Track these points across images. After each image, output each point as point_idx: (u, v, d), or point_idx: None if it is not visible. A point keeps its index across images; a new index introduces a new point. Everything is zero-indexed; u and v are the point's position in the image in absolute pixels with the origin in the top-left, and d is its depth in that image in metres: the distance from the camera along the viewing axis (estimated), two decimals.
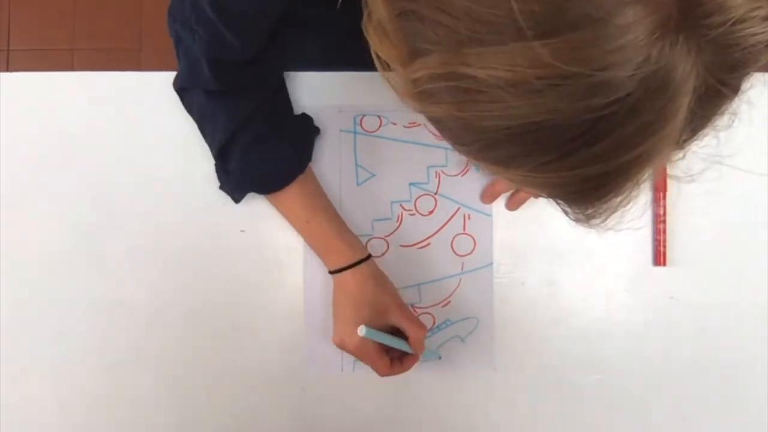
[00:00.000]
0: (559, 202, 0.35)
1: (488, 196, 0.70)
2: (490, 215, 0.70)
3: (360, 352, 0.64)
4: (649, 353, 0.70)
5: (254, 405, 0.70)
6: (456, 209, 0.71)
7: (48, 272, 0.71)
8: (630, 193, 0.33)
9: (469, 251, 0.70)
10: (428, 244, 0.71)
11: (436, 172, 0.70)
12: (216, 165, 0.67)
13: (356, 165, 0.71)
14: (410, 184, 0.71)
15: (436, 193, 0.71)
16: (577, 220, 0.36)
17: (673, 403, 0.70)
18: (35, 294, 0.71)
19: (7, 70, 1.60)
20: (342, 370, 0.70)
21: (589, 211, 0.35)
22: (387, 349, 0.65)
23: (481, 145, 0.32)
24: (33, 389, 0.71)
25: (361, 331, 0.59)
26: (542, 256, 0.70)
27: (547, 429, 0.70)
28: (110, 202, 0.71)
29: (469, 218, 0.70)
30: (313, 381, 0.70)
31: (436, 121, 0.36)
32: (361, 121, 0.71)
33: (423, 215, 0.71)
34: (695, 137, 0.33)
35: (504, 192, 0.70)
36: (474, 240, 0.70)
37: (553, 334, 0.70)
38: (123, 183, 0.71)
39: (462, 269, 0.70)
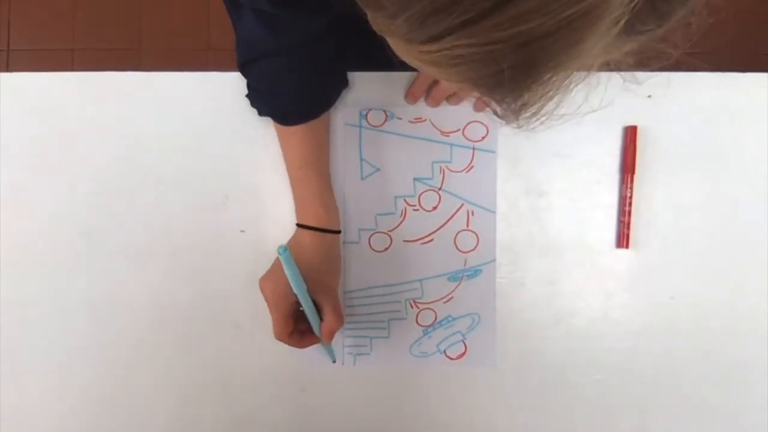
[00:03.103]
0: (488, 95, 0.33)
1: (411, 95, 0.69)
2: (493, 212, 0.70)
3: (273, 300, 0.62)
4: (649, 353, 0.70)
5: (254, 405, 0.71)
6: (460, 205, 0.71)
7: (48, 272, 0.71)
8: (556, 85, 0.31)
9: (472, 247, 0.71)
10: (431, 239, 0.71)
11: (440, 168, 0.71)
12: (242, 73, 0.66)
13: (361, 159, 0.71)
14: (414, 179, 0.71)
15: (440, 189, 0.71)
16: (504, 117, 0.34)
17: (673, 403, 0.70)
18: (35, 294, 0.71)
19: (7, 70, 1.60)
20: (343, 364, 0.70)
21: (517, 101, 0.33)
22: (297, 319, 0.64)
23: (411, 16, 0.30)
24: (33, 389, 0.71)
25: (282, 247, 0.58)
26: (542, 256, 0.70)
27: (547, 428, 0.70)
28: (110, 202, 0.71)
29: (472, 214, 0.71)
30: (313, 381, 0.70)
31: None
32: (366, 115, 0.71)
33: (427, 210, 0.71)
34: (635, 37, 0.31)
35: (425, 88, 0.69)
36: (477, 236, 0.71)
37: (554, 333, 0.70)
38: (123, 183, 0.71)
39: (465, 265, 0.71)
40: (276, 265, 0.65)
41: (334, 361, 0.70)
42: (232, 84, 0.70)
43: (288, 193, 0.70)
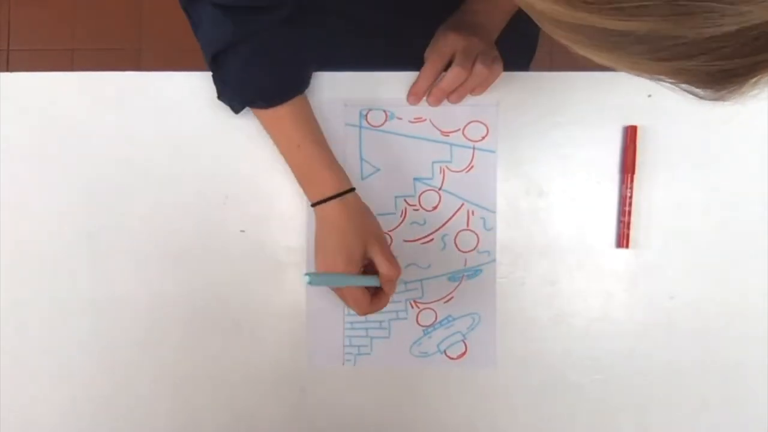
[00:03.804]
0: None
1: (413, 94, 0.70)
2: (493, 212, 0.70)
3: (338, 288, 0.65)
4: (649, 353, 0.70)
5: (254, 404, 0.71)
6: (460, 205, 0.71)
7: (48, 272, 0.71)
8: None
9: (473, 247, 0.71)
10: (431, 239, 0.71)
11: (440, 168, 0.71)
12: (213, 75, 0.66)
13: (361, 159, 0.71)
14: (415, 179, 0.71)
15: (440, 189, 0.71)
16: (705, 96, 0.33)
17: (673, 403, 0.70)
18: (35, 294, 0.71)
19: (7, 70, 1.60)
20: (343, 364, 0.70)
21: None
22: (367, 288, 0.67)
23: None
24: (33, 389, 0.71)
25: (305, 279, 0.58)
26: (542, 256, 0.70)
27: (547, 428, 0.70)
28: (110, 202, 0.71)
29: (472, 214, 0.71)
30: (313, 380, 0.70)
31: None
32: (366, 115, 0.71)
33: (427, 210, 0.71)
34: None
35: (427, 87, 0.69)
36: (477, 236, 0.71)
37: (554, 333, 0.70)
38: (123, 183, 0.71)
39: (465, 265, 0.71)
40: (322, 252, 0.66)
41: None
42: None
43: (288, 193, 0.70)
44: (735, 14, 0.27)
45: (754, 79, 0.31)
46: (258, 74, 0.64)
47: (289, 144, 0.67)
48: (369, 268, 0.67)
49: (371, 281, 0.66)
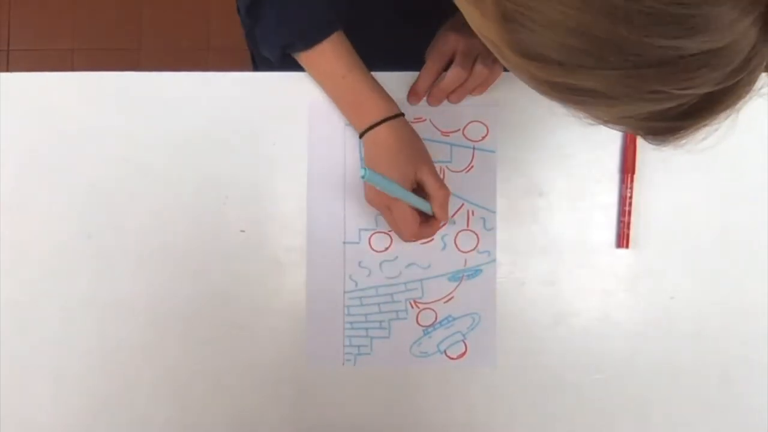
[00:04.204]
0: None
1: (414, 94, 0.70)
2: (493, 212, 0.70)
3: (390, 207, 0.64)
4: (649, 353, 0.70)
5: (254, 404, 0.71)
6: (460, 205, 0.71)
7: (48, 272, 0.71)
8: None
9: (473, 247, 0.71)
10: (431, 239, 0.71)
11: (440, 168, 0.70)
12: (248, 32, 0.66)
13: (361, 159, 0.71)
14: None
15: None
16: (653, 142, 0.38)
17: (673, 403, 0.70)
18: (35, 294, 0.71)
19: (7, 70, 1.60)
20: (343, 364, 0.70)
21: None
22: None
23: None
24: (33, 389, 0.71)
25: (361, 173, 0.56)
26: (542, 256, 0.70)
27: (547, 429, 0.70)
28: (110, 202, 0.71)
29: (472, 214, 0.71)
30: (313, 381, 0.70)
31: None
32: None
33: None
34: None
35: (428, 87, 0.69)
36: (477, 236, 0.71)
37: (554, 333, 0.70)
38: (123, 183, 0.71)
39: (465, 265, 0.71)
40: (368, 187, 0.65)
41: (454, 222, 0.70)
42: (232, 84, 0.70)
43: (288, 194, 0.70)
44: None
45: (679, 137, 0.36)
46: (294, 16, 0.64)
47: (334, 77, 0.66)
48: (419, 194, 0.66)
49: (424, 205, 0.64)
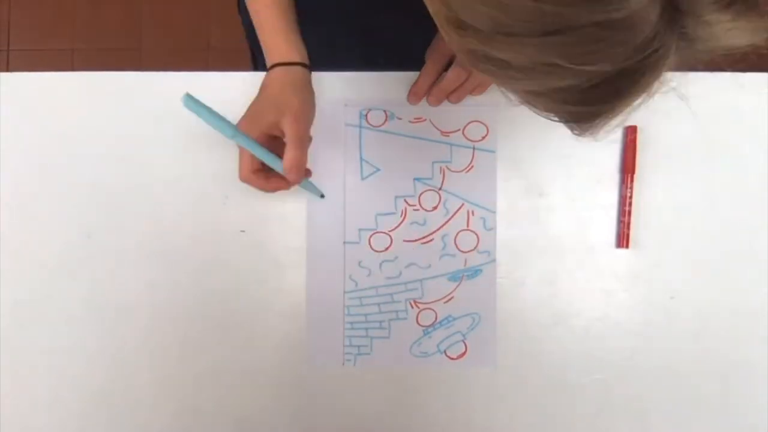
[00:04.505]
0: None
1: (414, 94, 0.69)
2: (493, 212, 0.70)
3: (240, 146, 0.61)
4: (649, 353, 0.70)
5: (254, 404, 0.71)
6: (460, 205, 0.71)
7: (48, 272, 0.71)
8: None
9: (472, 247, 0.71)
10: (431, 239, 0.71)
11: (440, 168, 0.71)
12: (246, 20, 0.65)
13: (361, 159, 0.71)
14: (415, 179, 0.71)
15: (440, 189, 0.71)
16: (572, 128, 0.39)
17: (673, 403, 0.70)
18: (35, 294, 0.71)
19: (7, 70, 1.60)
20: (343, 365, 0.70)
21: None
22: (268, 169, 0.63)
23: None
24: (33, 389, 0.71)
25: (184, 97, 0.53)
26: (542, 256, 0.70)
27: (547, 428, 0.70)
28: (110, 202, 0.71)
29: (472, 214, 0.71)
30: (314, 381, 0.70)
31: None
32: (366, 115, 0.71)
33: (427, 210, 0.71)
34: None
35: (428, 87, 0.69)
36: (477, 236, 0.71)
37: (554, 333, 0.70)
38: (123, 183, 0.71)
39: (465, 265, 0.71)
40: (246, 112, 0.63)
41: (322, 196, 0.67)
42: (232, 84, 0.70)
43: (288, 193, 0.70)
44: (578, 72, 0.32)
45: (596, 125, 0.37)
46: None
47: (258, 9, 0.65)
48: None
49: (272, 160, 0.60)
